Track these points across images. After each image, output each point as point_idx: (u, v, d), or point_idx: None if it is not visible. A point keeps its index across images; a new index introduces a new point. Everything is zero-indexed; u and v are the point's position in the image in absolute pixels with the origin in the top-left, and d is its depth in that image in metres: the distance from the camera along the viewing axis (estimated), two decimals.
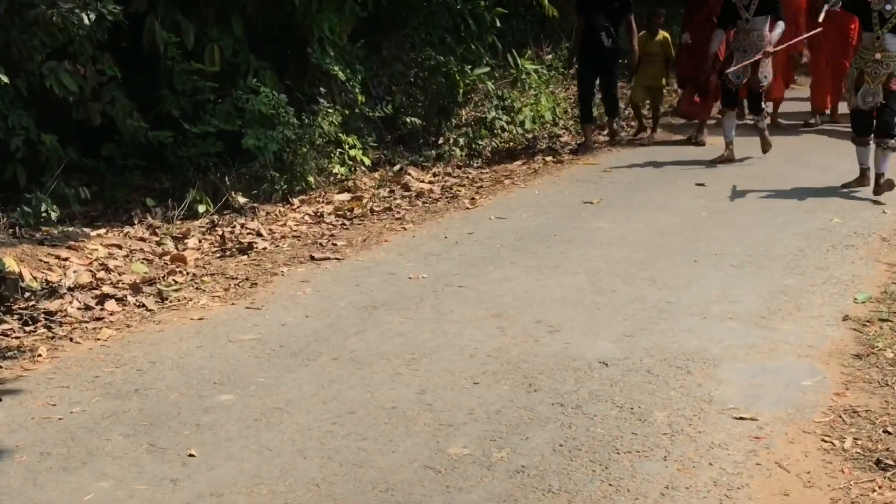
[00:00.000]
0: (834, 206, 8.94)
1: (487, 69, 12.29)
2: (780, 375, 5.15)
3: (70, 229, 7.44)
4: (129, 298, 6.09)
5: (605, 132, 12.41)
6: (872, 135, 9.16)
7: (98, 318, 5.80)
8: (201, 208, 8.30)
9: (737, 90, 10.71)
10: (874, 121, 9.11)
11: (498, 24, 12.79)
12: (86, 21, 7.81)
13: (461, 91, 11.78)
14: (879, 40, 8.86)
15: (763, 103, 10.84)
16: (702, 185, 9.66)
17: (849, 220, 8.40)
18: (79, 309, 5.90)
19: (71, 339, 5.46)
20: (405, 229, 8.19)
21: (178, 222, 8.09)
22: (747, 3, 10.34)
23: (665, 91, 12.95)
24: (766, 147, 10.82)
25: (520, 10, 14.77)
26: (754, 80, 10.47)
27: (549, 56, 15.81)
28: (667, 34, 12.31)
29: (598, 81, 11.80)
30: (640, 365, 5.23)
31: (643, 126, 12.68)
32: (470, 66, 12.01)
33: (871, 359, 5.36)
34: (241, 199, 8.58)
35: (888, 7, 8.70)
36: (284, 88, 9.90)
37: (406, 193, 9.45)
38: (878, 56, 8.87)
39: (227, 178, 8.83)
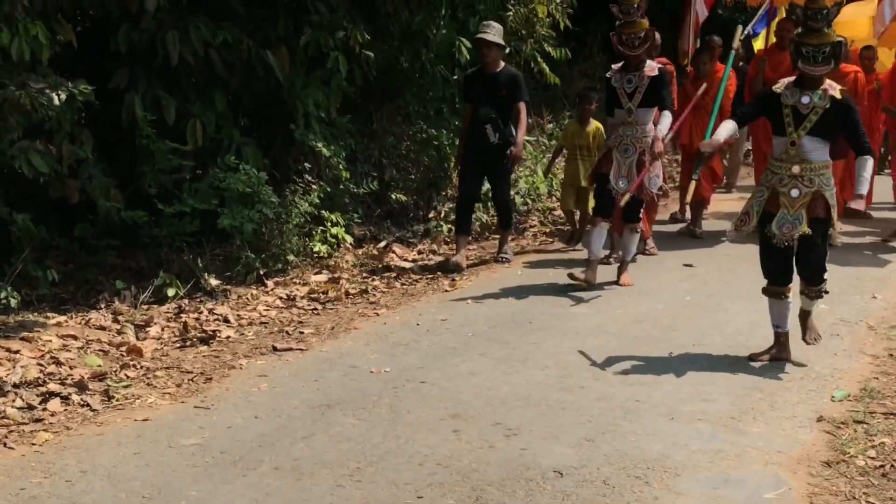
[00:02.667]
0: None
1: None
2: (742, 487, 4.89)
3: (29, 317, 7.28)
4: (74, 397, 5.88)
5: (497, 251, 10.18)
6: (790, 283, 6.74)
7: (38, 420, 5.58)
8: (171, 292, 8.13)
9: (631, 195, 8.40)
10: (794, 262, 6.66)
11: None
12: (56, 101, 7.70)
13: (453, 164, 11.65)
14: (796, 147, 6.45)
15: (640, 213, 8.88)
16: (689, 265, 9.44)
17: (836, 305, 8.16)
18: (20, 409, 5.69)
19: (4, 445, 5.24)
20: (377, 314, 7.99)
21: (145, 307, 7.90)
22: (631, 90, 8.53)
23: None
24: (625, 280, 8.93)
25: (525, 76, 14.60)
26: (639, 188, 8.46)
27: (551, 125, 15.71)
28: (599, 124, 10.47)
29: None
30: (597, 474, 4.98)
31: (575, 229, 10.93)
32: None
33: (841, 467, 5.10)
34: (213, 282, 8.42)
35: (805, 100, 6.43)
36: (269, 163, 9.79)
37: (386, 274, 9.27)
38: (795, 170, 6.45)
39: (199, 260, 8.66)
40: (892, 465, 5.11)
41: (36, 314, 7.49)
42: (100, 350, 6.85)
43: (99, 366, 6.48)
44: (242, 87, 9.66)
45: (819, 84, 6.48)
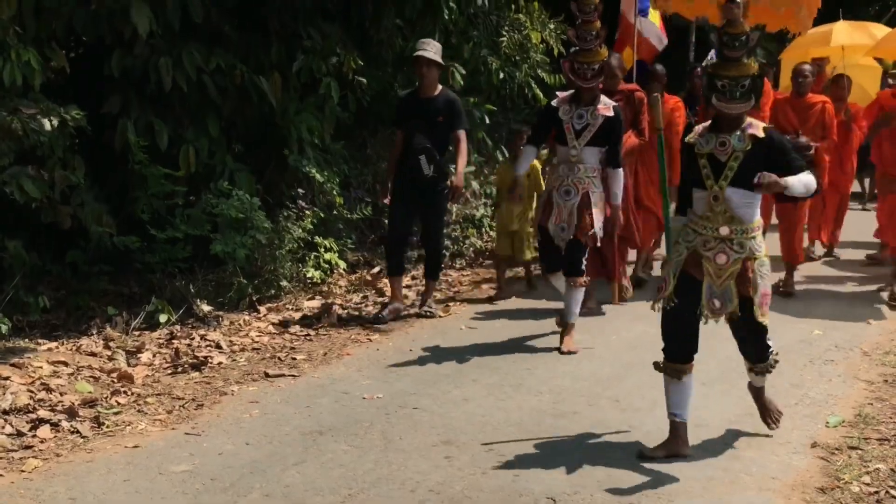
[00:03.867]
0: (817, 315, 8.70)
1: (472, 168, 12.12)
2: None
3: (20, 343, 7.24)
4: (64, 424, 5.84)
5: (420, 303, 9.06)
6: (692, 360, 5.64)
7: (27, 447, 5.54)
8: (163, 317, 8.09)
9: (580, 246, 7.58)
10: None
11: (487, 120, 12.65)
12: (47, 127, 7.69)
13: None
14: (719, 202, 5.32)
15: (583, 265, 7.66)
16: None
17: (830, 331, 8.17)
18: (9, 435, 5.64)
19: None
20: (370, 340, 7.96)
21: (137, 333, 7.87)
22: (580, 127, 7.45)
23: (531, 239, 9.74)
24: (568, 345, 7.73)
25: (518, 102, 14.59)
26: (583, 234, 7.49)
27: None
28: (537, 163, 9.56)
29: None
30: (591, 501, 4.95)
31: (501, 287, 9.79)
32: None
33: (836, 493, 5.08)
34: (206, 308, 8.38)
35: (722, 145, 5.34)
36: (262, 189, 9.78)
37: (379, 299, 9.24)
38: (723, 231, 5.33)
39: (192, 286, 8.64)
40: (886, 492, 5.08)
41: (27, 340, 7.45)
42: (90, 376, 6.81)
43: (89, 392, 6.44)
44: (235, 113, 9.66)
45: (738, 124, 5.35)
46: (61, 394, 6.36)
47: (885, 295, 9.77)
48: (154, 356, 7.37)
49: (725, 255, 5.34)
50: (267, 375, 6.97)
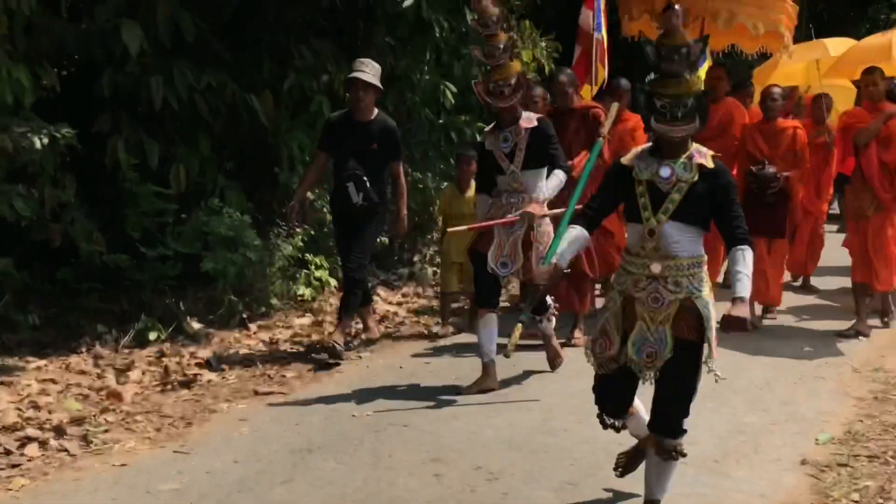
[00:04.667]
0: (808, 332, 8.70)
1: None
2: None
3: (8, 361, 7.23)
4: (52, 442, 5.82)
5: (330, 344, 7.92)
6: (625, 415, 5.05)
7: (15, 465, 5.52)
8: (152, 335, 8.07)
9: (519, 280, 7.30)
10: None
11: (479, 139, 12.65)
12: (38, 146, 7.69)
13: (438, 207, 11.65)
14: (654, 237, 4.56)
15: (549, 299, 7.25)
16: None
17: (821, 348, 8.17)
18: None
19: None
20: (360, 357, 7.96)
21: (126, 351, 7.85)
22: (509, 149, 6.87)
23: None
24: (555, 360, 7.49)
25: None
26: (527, 270, 6.74)
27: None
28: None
29: None
30: None
31: (447, 324, 9.06)
32: (446, 184, 11.88)
33: None
34: (196, 325, 8.38)
35: (664, 173, 4.57)
36: (253, 206, 9.78)
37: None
38: (655, 268, 4.58)
39: (182, 303, 8.63)
40: None
41: (16, 358, 7.43)
42: (79, 394, 6.79)
43: (78, 410, 6.42)
44: (226, 131, 9.66)
45: (682, 149, 4.64)
46: (50, 412, 6.35)
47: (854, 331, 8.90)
48: (143, 374, 7.35)
49: (659, 295, 4.57)
50: (256, 393, 6.96)
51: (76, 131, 8.02)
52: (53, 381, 6.93)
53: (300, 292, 9.52)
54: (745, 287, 4.51)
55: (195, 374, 7.30)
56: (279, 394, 6.97)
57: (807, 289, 11.27)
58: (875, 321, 9.20)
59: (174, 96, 8.73)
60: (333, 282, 9.95)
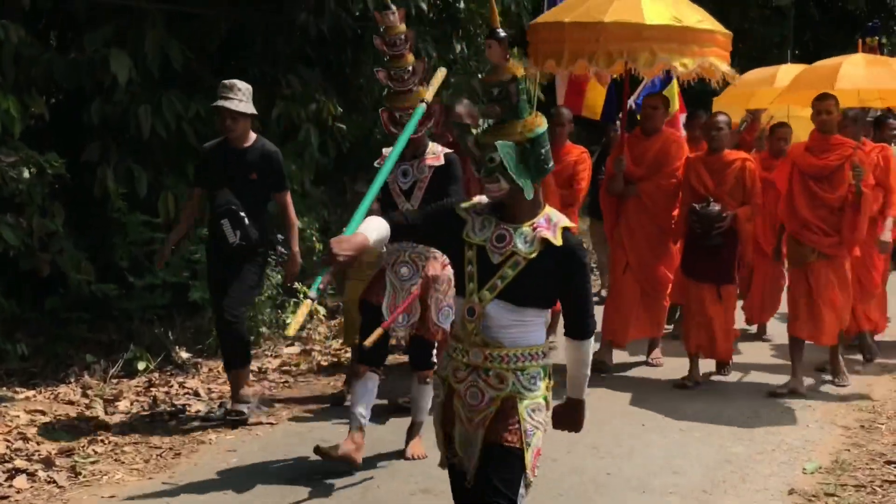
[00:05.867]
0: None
1: None
2: None
3: None
4: (41, 473, 5.81)
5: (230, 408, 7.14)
6: None
7: (3, 497, 5.51)
8: (141, 365, 8.06)
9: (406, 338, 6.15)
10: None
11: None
12: (26, 175, 7.71)
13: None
14: (475, 317, 3.62)
15: (433, 355, 6.25)
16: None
17: (807, 375, 8.17)
18: None
19: None
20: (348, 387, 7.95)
21: (115, 381, 7.83)
22: (407, 185, 5.97)
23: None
24: (414, 449, 6.34)
25: None
26: (423, 325, 5.99)
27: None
28: None
29: None
30: None
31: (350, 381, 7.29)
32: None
33: None
34: (184, 355, 8.38)
35: (498, 241, 3.62)
36: None
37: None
38: (474, 356, 3.66)
39: (170, 333, 8.62)
40: None
41: (4, 389, 7.41)
42: (68, 425, 6.78)
43: (66, 441, 6.40)
44: None
45: (526, 215, 3.64)
46: (38, 443, 6.34)
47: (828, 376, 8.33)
48: (132, 404, 7.34)
49: (479, 391, 3.66)
50: (245, 423, 6.94)
51: (65, 160, 8.04)
52: (42, 412, 6.91)
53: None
54: (576, 387, 3.83)
55: (184, 405, 7.28)
56: (268, 424, 6.96)
57: (763, 340, 9.93)
58: (858, 356, 9.10)
59: (163, 125, 8.74)
60: (322, 310, 9.95)
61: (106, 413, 7.09)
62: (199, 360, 8.47)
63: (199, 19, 9.59)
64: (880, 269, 9.04)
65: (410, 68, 5.93)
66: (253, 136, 7.07)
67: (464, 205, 3.69)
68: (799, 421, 7.12)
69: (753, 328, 10.07)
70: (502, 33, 3.61)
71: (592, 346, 3.78)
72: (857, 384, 8.15)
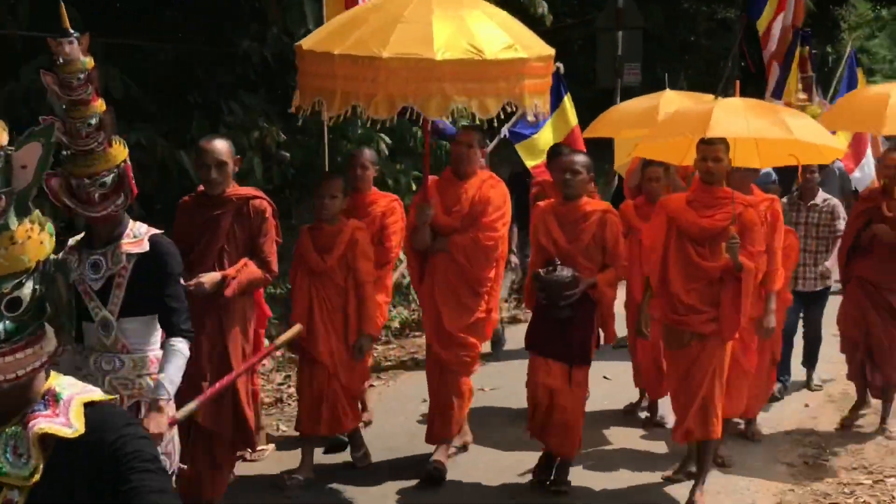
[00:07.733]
0: None
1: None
2: None
3: None
4: None
5: None
6: None
7: None
8: None
9: None
10: None
11: (414, 188, 12.62)
12: None
13: None
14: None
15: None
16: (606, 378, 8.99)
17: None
18: None
19: None
20: None
21: None
22: (99, 284, 4.36)
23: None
24: None
25: None
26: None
27: None
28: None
29: None
30: None
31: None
32: None
33: None
34: None
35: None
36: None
37: None
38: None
39: None
40: None
41: None
42: None
43: None
44: (156, 189, 9.54)
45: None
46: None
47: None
48: None
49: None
50: None
51: None
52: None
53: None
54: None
55: None
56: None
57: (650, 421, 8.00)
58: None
59: None
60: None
61: None
62: None
63: (140, 50, 9.46)
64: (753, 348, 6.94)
65: (95, 121, 4.20)
66: None
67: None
68: (745, 458, 7.05)
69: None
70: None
71: None
72: (803, 418, 8.04)
